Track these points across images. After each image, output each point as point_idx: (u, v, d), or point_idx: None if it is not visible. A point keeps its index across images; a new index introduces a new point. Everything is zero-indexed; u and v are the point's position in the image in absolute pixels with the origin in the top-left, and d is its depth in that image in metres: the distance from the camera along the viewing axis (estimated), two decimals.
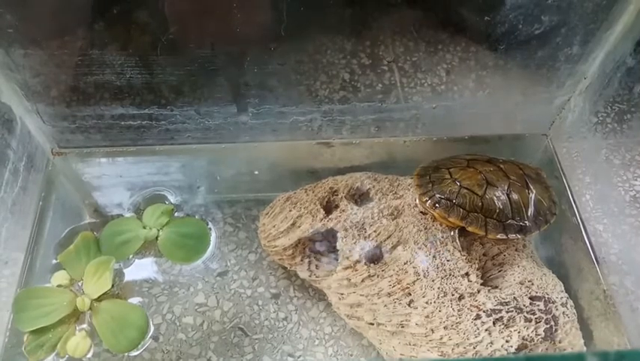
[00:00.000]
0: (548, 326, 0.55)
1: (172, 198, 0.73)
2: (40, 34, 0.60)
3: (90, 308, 0.62)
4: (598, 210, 0.68)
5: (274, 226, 0.64)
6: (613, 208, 0.65)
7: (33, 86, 0.65)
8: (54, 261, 0.67)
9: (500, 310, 0.55)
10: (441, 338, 0.55)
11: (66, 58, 0.63)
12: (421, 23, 0.64)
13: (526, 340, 0.54)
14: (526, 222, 0.60)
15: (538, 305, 0.56)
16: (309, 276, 0.63)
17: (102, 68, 0.64)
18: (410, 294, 0.57)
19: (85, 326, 0.62)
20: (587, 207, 0.69)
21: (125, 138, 0.74)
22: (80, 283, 0.65)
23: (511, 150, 0.78)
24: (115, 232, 0.68)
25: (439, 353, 0.55)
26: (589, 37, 0.63)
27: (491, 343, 0.54)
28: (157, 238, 0.69)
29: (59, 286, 0.64)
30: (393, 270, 0.58)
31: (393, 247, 0.60)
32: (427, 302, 0.56)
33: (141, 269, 0.67)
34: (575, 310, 0.58)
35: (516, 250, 0.62)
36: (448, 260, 0.58)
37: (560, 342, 0.56)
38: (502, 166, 0.62)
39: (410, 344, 0.56)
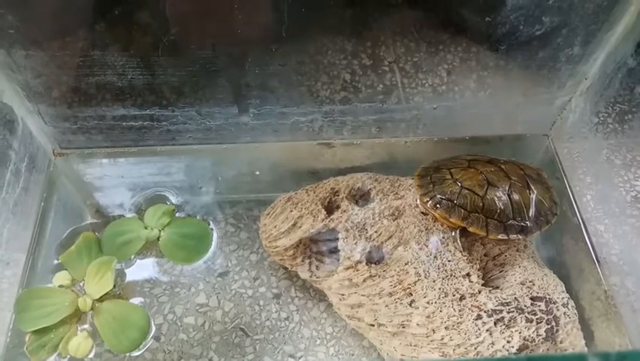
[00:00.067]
0: (549, 326, 0.55)
1: (173, 199, 0.73)
2: (41, 35, 0.60)
3: (92, 309, 0.63)
4: (599, 210, 0.68)
5: (275, 227, 0.64)
6: (614, 209, 0.65)
7: (35, 86, 0.65)
8: (56, 261, 0.67)
9: (501, 311, 0.55)
10: (442, 339, 0.55)
11: (67, 59, 0.63)
12: (421, 24, 0.64)
13: (528, 340, 0.54)
14: (528, 222, 0.60)
15: (539, 306, 0.56)
16: (310, 276, 0.63)
17: (103, 68, 0.64)
18: (411, 294, 0.57)
19: (86, 326, 0.63)
20: (588, 207, 0.69)
21: (126, 138, 0.74)
22: (81, 284, 0.65)
23: (512, 150, 0.78)
24: (116, 232, 0.69)
25: (440, 354, 0.55)
26: (590, 38, 0.64)
27: (492, 343, 0.54)
28: (158, 238, 0.69)
29: (61, 286, 0.64)
30: (395, 270, 0.58)
31: (395, 248, 0.60)
32: (428, 303, 0.56)
33: (143, 269, 0.68)
34: (576, 311, 0.58)
35: (517, 250, 0.62)
36: (449, 260, 0.58)
37: (561, 343, 0.56)
38: (503, 167, 0.62)
39: (411, 345, 0.56)
